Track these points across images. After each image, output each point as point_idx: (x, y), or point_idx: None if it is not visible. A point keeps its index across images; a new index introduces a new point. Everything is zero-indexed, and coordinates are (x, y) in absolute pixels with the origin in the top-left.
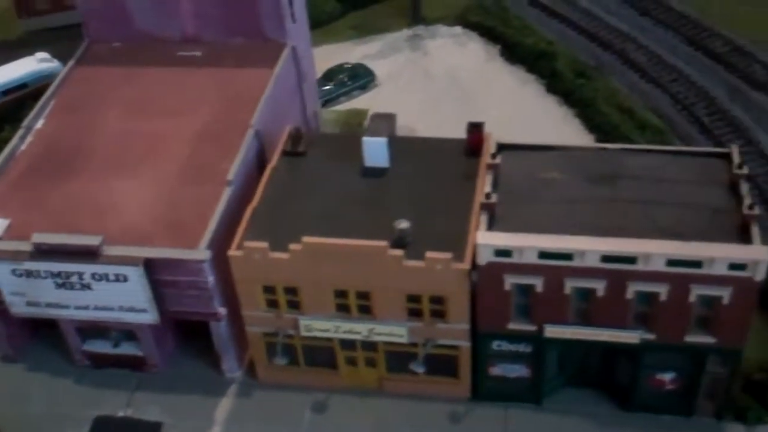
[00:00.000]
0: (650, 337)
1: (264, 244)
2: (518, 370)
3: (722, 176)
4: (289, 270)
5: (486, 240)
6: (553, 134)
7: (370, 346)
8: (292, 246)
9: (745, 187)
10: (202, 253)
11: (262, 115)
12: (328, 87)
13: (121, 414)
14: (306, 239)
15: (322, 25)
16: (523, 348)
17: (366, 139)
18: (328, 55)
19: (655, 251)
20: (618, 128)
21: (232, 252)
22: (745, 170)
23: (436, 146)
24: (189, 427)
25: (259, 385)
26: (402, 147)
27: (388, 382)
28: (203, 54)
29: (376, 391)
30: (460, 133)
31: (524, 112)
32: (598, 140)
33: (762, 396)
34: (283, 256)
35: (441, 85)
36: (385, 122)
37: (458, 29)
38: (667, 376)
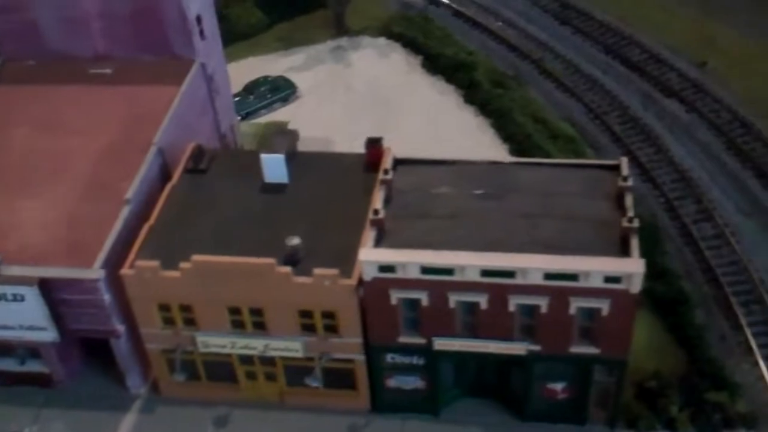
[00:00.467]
0: (536, 348)
1: (155, 263)
2: (414, 382)
3: (609, 188)
4: (182, 288)
5: (368, 257)
6: (467, 145)
7: (268, 360)
8: (183, 264)
9: (629, 200)
10: (96, 272)
11: (166, 132)
12: (248, 100)
13: (26, 431)
14: (195, 257)
15: (247, 37)
16: (415, 360)
17: (264, 156)
18: (253, 68)
19: (531, 265)
20: (531, 138)
21: (125, 271)
22: (629, 182)
23: (337, 161)
24: None
25: (162, 401)
26: (303, 162)
27: (288, 395)
28: (113, 71)
29: (278, 404)
30: None
31: (440, 124)
32: (512, 150)
33: (654, 403)
34: (175, 274)
35: (361, 96)
36: (285, 138)
37: (381, 40)
38: (558, 386)
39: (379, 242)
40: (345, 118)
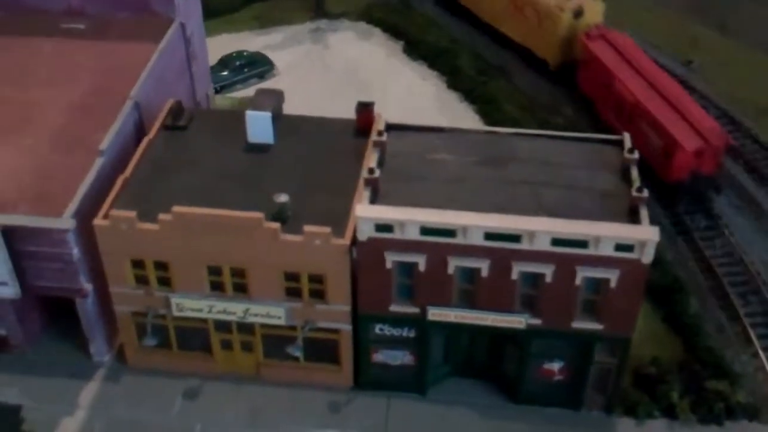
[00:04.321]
0: (536, 322)
1: (132, 213)
2: (402, 357)
3: (613, 162)
4: (159, 243)
5: (366, 213)
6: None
7: (246, 328)
8: (162, 216)
9: (635, 172)
10: (66, 221)
11: (144, 87)
12: (224, 73)
13: None
14: (176, 209)
15: (223, 14)
16: (406, 333)
17: (250, 113)
18: (228, 44)
19: (539, 229)
20: (519, 124)
21: (98, 221)
22: (635, 155)
23: (325, 125)
24: (51, 410)
25: (128, 370)
26: (289, 125)
27: (265, 368)
28: (87, 27)
29: (253, 378)
30: None
31: (424, 106)
32: None
33: (652, 390)
34: (152, 226)
35: (340, 77)
36: (271, 97)
37: (362, 24)
38: (555, 366)
39: (373, 203)
40: (322, 98)
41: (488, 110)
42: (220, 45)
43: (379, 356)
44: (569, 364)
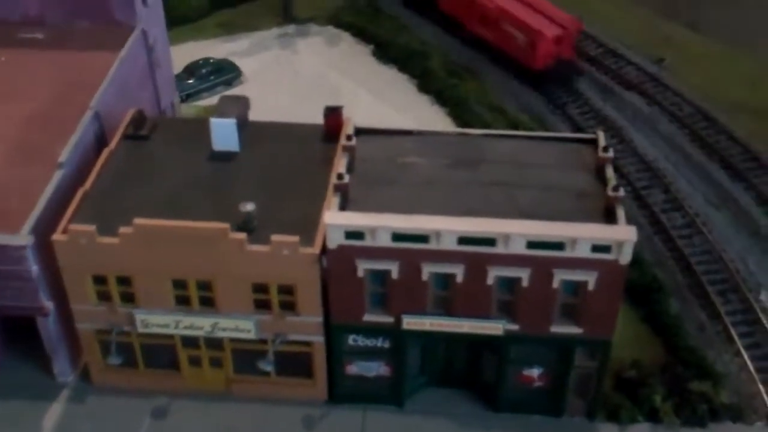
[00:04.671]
0: (514, 327)
1: (91, 228)
2: (377, 369)
3: (587, 161)
4: (121, 257)
5: (335, 220)
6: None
7: (215, 343)
8: (123, 229)
9: (610, 171)
10: (23, 238)
11: (104, 97)
12: (189, 81)
13: None
14: (138, 221)
15: (188, 21)
16: (381, 343)
17: (214, 120)
18: (194, 52)
19: (514, 231)
20: (489, 126)
21: (57, 236)
22: (610, 153)
23: (292, 131)
24: None
25: (94, 390)
26: (255, 132)
27: (236, 384)
28: (46, 36)
29: (223, 395)
30: None
31: (395, 110)
32: None
33: (634, 394)
34: (113, 240)
35: (309, 83)
36: (235, 104)
37: (330, 29)
38: (535, 372)
39: (343, 209)
40: (292, 104)
41: (459, 112)
42: (186, 53)
43: (354, 368)
44: (549, 370)
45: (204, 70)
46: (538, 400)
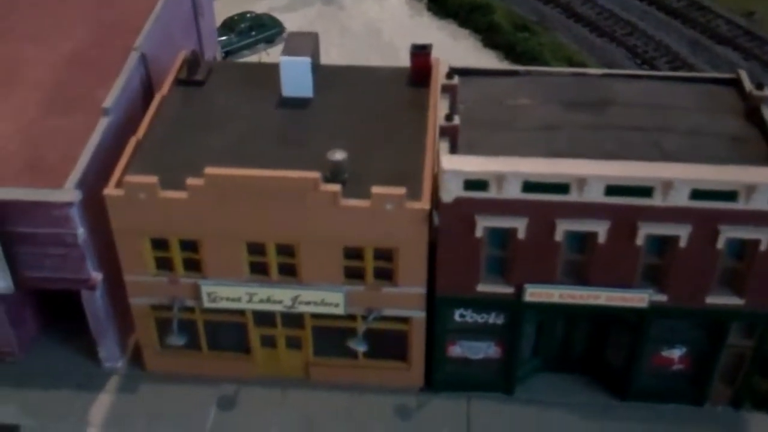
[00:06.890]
0: (662, 299)
1: (153, 179)
2: (486, 350)
3: (733, 103)
4: (187, 215)
5: (454, 166)
6: None
7: (293, 320)
8: (191, 181)
9: (767, 112)
10: (68, 193)
11: (150, 38)
12: (228, 37)
13: None
14: (210, 170)
15: None
16: (493, 319)
17: (284, 59)
18: (229, 6)
19: (679, 177)
20: None
21: (110, 190)
22: (765, 92)
23: (372, 75)
24: (56, 430)
25: (148, 377)
26: (328, 77)
27: (316, 368)
28: None
29: (301, 382)
30: None
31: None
32: None
33: None
34: (180, 194)
35: (360, 40)
36: (307, 40)
37: None
38: (676, 353)
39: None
40: (343, 62)
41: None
42: (223, 6)
43: (457, 349)
44: (693, 350)
45: (244, 25)
46: (677, 386)
